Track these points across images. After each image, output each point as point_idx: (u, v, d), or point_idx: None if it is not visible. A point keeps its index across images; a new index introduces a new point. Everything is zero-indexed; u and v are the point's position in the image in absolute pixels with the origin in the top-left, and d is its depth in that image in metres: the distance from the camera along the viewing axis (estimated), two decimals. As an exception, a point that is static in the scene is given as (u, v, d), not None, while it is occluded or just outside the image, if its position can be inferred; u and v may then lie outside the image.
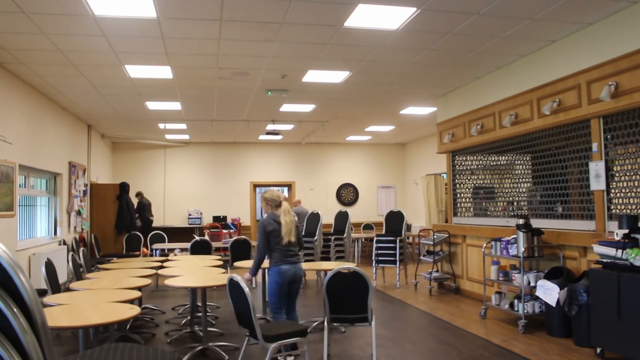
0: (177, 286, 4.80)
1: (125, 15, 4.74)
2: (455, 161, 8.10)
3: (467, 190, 7.92)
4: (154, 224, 12.59)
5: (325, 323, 4.18)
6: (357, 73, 6.89)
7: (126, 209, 10.81)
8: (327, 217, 13.93)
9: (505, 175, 7.15)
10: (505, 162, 7.16)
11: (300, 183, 14.22)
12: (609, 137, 5.06)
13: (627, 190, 4.86)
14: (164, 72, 6.67)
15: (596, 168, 5.09)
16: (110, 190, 10.86)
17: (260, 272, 5.36)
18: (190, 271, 5.55)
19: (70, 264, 5.64)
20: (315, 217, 8.96)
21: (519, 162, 6.89)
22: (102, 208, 10.69)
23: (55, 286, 4.83)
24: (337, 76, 7.07)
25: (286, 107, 9.12)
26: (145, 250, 10.15)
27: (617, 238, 4.37)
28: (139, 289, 4.67)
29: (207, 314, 5.36)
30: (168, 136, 12.58)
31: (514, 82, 6.42)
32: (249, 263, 5.92)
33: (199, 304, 5.73)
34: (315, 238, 8.69)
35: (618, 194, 4.95)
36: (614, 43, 4.85)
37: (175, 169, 13.56)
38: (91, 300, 3.92)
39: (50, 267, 4.84)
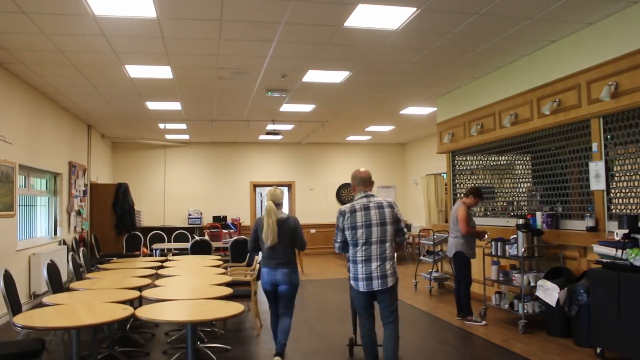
0: (160, 321, 4.11)
1: (125, 15, 4.73)
2: (455, 161, 8.10)
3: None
4: (154, 224, 12.62)
5: None
6: (357, 73, 6.89)
7: (126, 210, 10.79)
8: (327, 218, 13.99)
9: (505, 175, 7.15)
10: (505, 162, 7.16)
11: (300, 183, 14.21)
12: (609, 137, 5.06)
13: (627, 190, 4.86)
14: (164, 72, 6.67)
15: (596, 168, 5.09)
16: (110, 190, 10.84)
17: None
18: (190, 271, 5.55)
19: (70, 264, 5.63)
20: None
21: (519, 162, 6.89)
22: (102, 208, 10.67)
23: (58, 287, 4.83)
24: (337, 76, 7.07)
25: (286, 107, 9.11)
26: (145, 250, 10.15)
27: (617, 238, 4.37)
28: (139, 289, 4.67)
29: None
30: (168, 136, 12.58)
31: (514, 82, 6.42)
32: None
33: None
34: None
35: (618, 194, 4.95)
36: (614, 43, 4.84)
37: (175, 169, 13.56)
38: (87, 301, 3.91)
39: (52, 269, 4.83)
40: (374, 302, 3.95)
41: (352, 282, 3.95)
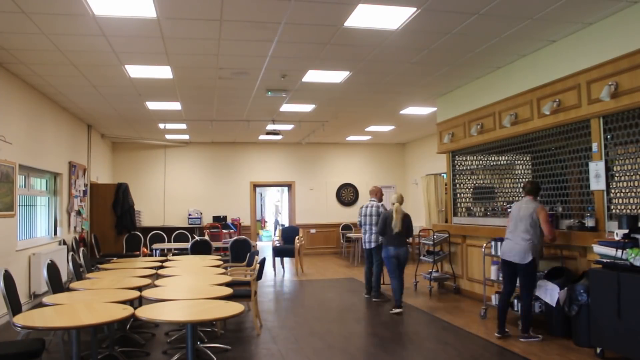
0: (160, 321, 3.94)
1: (125, 15, 4.74)
2: (455, 161, 8.10)
3: (467, 190, 7.92)
4: (154, 224, 12.63)
5: None
6: (357, 73, 6.89)
7: (126, 210, 10.79)
8: (327, 217, 14.00)
9: (505, 175, 7.15)
10: (505, 162, 7.16)
11: (300, 183, 14.21)
12: (609, 137, 5.06)
13: (627, 190, 4.86)
14: (164, 72, 6.67)
15: (596, 168, 5.09)
16: (109, 190, 10.84)
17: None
18: (190, 271, 5.55)
19: (70, 264, 5.63)
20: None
21: (519, 162, 6.89)
22: (102, 208, 10.67)
23: (58, 287, 4.82)
24: (337, 76, 7.07)
25: (286, 107, 9.11)
26: (145, 250, 10.15)
27: (617, 238, 4.37)
28: (139, 289, 4.67)
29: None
30: (168, 136, 12.58)
31: (514, 82, 6.42)
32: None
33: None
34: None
35: (618, 194, 4.95)
36: (614, 43, 4.84)
37: (175, 169, 13.56)
38: (87, 301, 3.91)
39: (52, 269, 4.83)
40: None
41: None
